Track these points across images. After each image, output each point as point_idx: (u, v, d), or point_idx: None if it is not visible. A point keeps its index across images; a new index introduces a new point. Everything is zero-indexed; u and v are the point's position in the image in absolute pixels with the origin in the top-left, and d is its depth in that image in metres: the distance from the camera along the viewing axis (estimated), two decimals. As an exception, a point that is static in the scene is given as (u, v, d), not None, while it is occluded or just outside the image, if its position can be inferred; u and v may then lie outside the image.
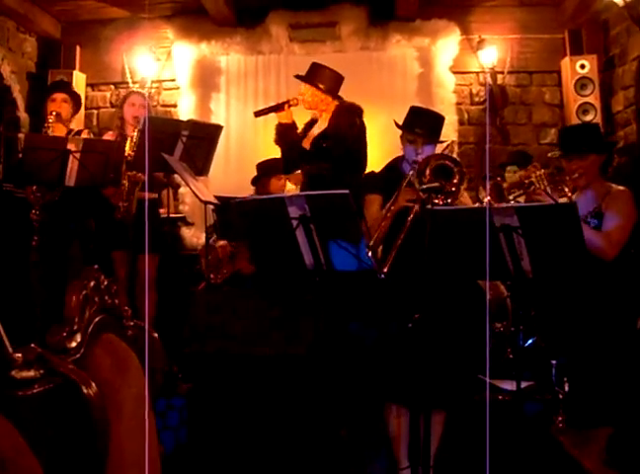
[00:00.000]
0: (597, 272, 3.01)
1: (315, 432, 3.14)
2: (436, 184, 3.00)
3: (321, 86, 4.31)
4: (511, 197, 3.39)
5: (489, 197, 3.33)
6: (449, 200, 3.03)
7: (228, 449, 3.50)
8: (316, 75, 4.37)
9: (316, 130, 4.41)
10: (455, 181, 3.02)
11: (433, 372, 2.82)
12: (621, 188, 3.47)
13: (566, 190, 3.42)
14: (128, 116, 4.83)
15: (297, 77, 4.48)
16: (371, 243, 2.94)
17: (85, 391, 1.29)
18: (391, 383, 3.15)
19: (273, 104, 4.49)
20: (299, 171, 4.58)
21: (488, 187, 3.03)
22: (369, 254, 2.87)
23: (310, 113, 4.51)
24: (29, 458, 1.11)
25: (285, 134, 4.42)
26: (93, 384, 1.32)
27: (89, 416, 1.30)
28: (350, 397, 3.46)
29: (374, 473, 3.44)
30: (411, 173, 3.20)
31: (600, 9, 6.00)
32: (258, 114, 4.46)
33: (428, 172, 3.01)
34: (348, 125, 4.19)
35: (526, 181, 3.36)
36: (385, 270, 2.93)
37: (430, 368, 2.77)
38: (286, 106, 4.37)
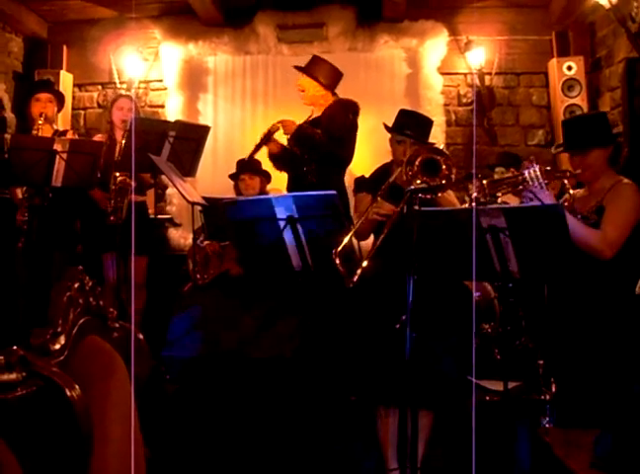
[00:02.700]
0: (587, 271, 2.95)
1: (304, 433, 3.13)
2: (423, 185, 2.99)
3: (322, 80, 4.31)
4: (499, 194, 3.34)
5: (476, 194, 3.31)
6: (439, 195, 3.03)
7: (215, 452, 3.49)
8: (317, 68, 4.36)
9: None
10: (444, 169, 3.00)
11: (420, 374, 2.82)
12: (626, 180, 3.18)
13: (566, 183, 3.31)
14: (117, 119, 4.82)
15: (297, 68, 4.47)
16: (339, 249, 2.79)
17: (69, 394, 1.28)
18: (380, 384, 3.15)
19: (258, 141, 4.50)
20: None
21: (475, 186, 3.02)
22: (336, 261, 2.75)
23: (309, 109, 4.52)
24: (10, 462, 1.10)
25: (283, 160, 4.45)
26: (77, 387, 1.30)
27: (72, 419, 1.28)
28: (339, 399, 3.46)
29: (363, 474, 3.43)
30: (393, 178, 3.20)
31: (586, 11, 6.02)
32: (251, 156, 4.50)
33: (417, 162, 3.00)
34: (341, 119, 4.20)
35: (520, 178, 3.24)
36: (355, 279, 2.73)
37: (417, 370, 2.77)
38: (271, 136, 4.39)
